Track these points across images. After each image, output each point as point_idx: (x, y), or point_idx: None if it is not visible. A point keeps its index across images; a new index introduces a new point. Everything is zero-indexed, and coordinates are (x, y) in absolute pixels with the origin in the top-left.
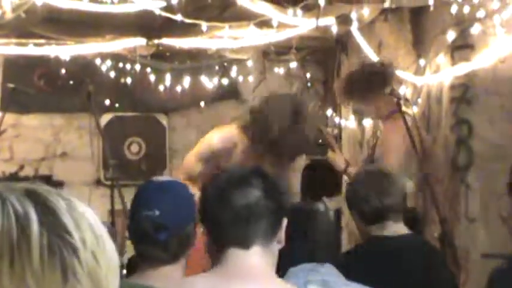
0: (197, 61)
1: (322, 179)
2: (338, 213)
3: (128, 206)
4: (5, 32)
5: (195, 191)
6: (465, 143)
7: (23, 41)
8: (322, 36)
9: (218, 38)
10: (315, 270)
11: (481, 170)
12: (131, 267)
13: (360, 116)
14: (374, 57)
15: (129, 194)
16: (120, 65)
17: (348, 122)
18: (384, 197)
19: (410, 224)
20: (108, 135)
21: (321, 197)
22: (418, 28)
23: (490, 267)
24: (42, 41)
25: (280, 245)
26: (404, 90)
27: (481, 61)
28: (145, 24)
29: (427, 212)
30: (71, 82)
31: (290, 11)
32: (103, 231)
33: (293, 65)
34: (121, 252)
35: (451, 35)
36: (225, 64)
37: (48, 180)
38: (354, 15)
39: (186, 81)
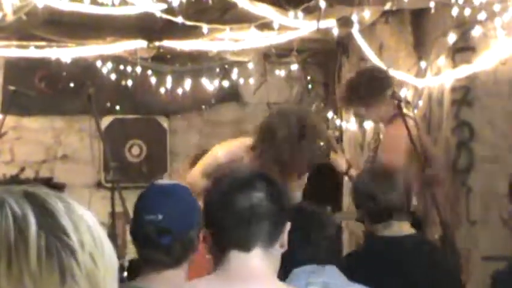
0: (198, 63)
1: (323, 183)
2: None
3: (129, 208)
4: (6, 34)
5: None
6: (466, 145)
7: (24, 43)
8: (323, 39)
9: (219, 40)
10: (316, 272)
11: (482, 172)
12: (132, 270)
13: (361, 118)
14: (375, 60)
15: (129, 197)
16: (121, 67)
17: (349, 124)
18: (389, 195)
19: (411, 226)
20: (109, 137)
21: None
22: (419, 30)
23: (491, 270)
24: (43, 43)
25: (283, 248)
26: (405, 93)
27: (482, 63)
28: (146, 27)
29: (428, 214)
30: (72, 84)
31: (291, 13)
32: (102, 234)
33: (294, 67)
34: (121, 254)
35: (452, 37)
36: (226, 66)
37: (48, 182)
38: (354, 18)
39: (187, 83)
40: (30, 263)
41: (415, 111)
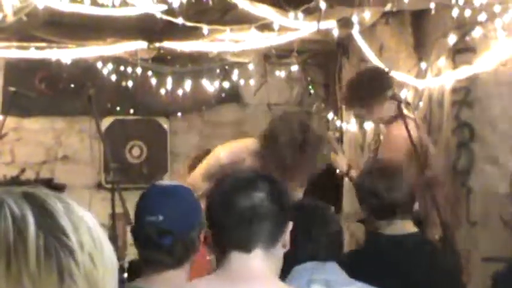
0: (198, 64)
1: (323, 183)
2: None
3: (129, 209)
4: (6, 36)
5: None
6: (466, 146)
7: (25, 44)
8: (324, 40)
9: (219, 41)
10: (318, 269)
11: (482, 173)
12: (132, 271)
13: (361, 119)
14: (375, 61)
15: (130, 198)
16: (122, 68)
17: (349, 125)
18: (394, 192)
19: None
20: (109, 138)
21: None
22: (420, 31)
23: (491, 271)
24: (43, 44)
25: (286, 248)
26: (405, 94)
27: (482, 64)
28: (146, 28)
29: (428, 214)
30: (72, 85)
31: (291, 14)
32: (101, 234)
33: (294, 68)
34: (122, 256)
35: (452, 39)
36: (226, 67)
37: (49, 183)
38: (355, 19)
39: (187, 84)
40: (29, 264)
41: (416, 112)
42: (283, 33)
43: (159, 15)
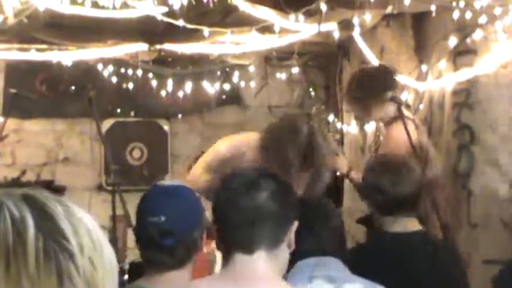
0: (199, 66)
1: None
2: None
3: (130, 211)
4: (7, 37)
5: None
6: (467, 148)
7: (25, 46)
8: (324, 42)
9: (220, 43)
10: (320, 264)
11: (483, 176)
12: (133, 273)
13: (361, 121)
14: (376, 63)
15: (130, 200)
16: (122, 70)
17: (350, 127)
18: (398, 186)
19: None
20: (110, 140)
21: None
22: (420, 34)
23: (491, 273)
24: (44, 46)
25: (291, 248)
26: (406, 96)
27: (483, 67)
28: (147, 30)
29: (428, 217)
30: (73, 87)
31: (292, 16)
32: (101, 236)
33: (295, 70)
34: (122, 258)
35: (453, 41)
36: (227, 69)
37: (50, 185)
38: (355, 21)
39: (188, 86)
40: (29, 266)
41: (416, 114)
42: (284, 35)
43: (159, 17)
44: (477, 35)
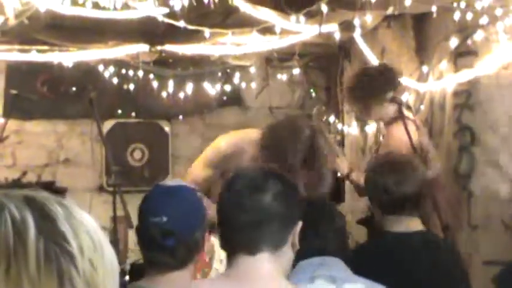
0: (200, 67)
1: None
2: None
3: (131, 212)
4: (8, 39)
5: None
6: (468, 149)
7: (26, 47)
8: (325, 43)
9: (221, 44)
10: (323, 264)
11: (484, 177)
12: (133, 273)
13: (362, 122)
14: (377, 63)
15: (131, 201)
16: (123, 71)
17: (351, 128)
18: (402, 186)
19: None
20: (110, 141)
21: None
22: (421, 35)
23: (492, 274)
24: (45, 47)
25: (295, 248)
26: (407, 97)
27: (484, 68)
28: (148, 31)
29: (429, 218)
30: (74, 88)
31: (293, 17)
32: (101, 237)
33: (296, 71)
34: (123, 259)
35: (453, 42)
36: (228, 71)
37: (50, 186)
38: (356, 22)
39: (189, 87)
40: (29, 268)
41: (417, 115)
42: (285, 36)
43: (160, 18)
44: (478, 36)
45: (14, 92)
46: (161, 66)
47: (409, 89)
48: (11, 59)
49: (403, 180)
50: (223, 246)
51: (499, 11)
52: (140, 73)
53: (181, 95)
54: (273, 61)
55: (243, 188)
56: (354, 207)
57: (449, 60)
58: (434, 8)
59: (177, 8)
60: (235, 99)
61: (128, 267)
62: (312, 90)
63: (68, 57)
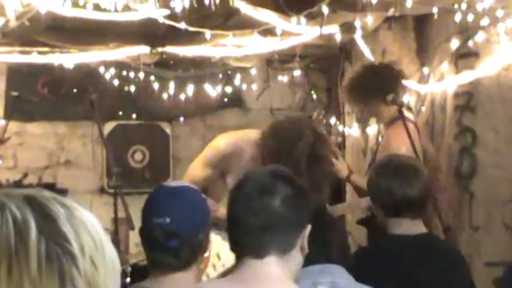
0: (201, 69)
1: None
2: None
3: (132, 214)
4: (8, 40)
5: None
6: (469, 151)
7: (27, 49)
8: (326, 44)
9: (222, 46)
10: (325, 272)
11: (485, 178)
12: (134, 275)
13: (363, 124)
14: (380, 62)
15: (132, 202)
16: (124, 73)
17: (352, 130)
18: (407, 189)
19: None
20: (111, 143)
21: None
22: (422, 36)
23: (493, 275)
24: (45, 49)
25: (304, 252)
26: (408, 99)
27: (485, 69)
28: (149, 33)
29: (430, 219)
30: (75, 90)
31: (294, 19)
32: (102, 235)
33: (297, 73)
34: (124, 260)
35: (454, 43)
36: (229, 72)
37: (51, 188)
38: (357, 23)
39: (190, 89)
40: (31, 269)
41: (417, 117)
42: (286, 38)
43: (161, 20)
44: (479, 37)
45: (14, 93)
46: (162, 68)
47: (410, 91)
48: (11, 61)
49: (407, 183)
50: (232, 248)
51: (500, 13)
52: (141, 75)
53: (182, 96)
54: (274, 63)
55: (253, 191)
56: (354, 207)
57: (450, 62)
58: (435, 10)
59: (178, 9)
60: (236, 100)
61: (129, 268)
62: (312, 92)
63: (68, 59)
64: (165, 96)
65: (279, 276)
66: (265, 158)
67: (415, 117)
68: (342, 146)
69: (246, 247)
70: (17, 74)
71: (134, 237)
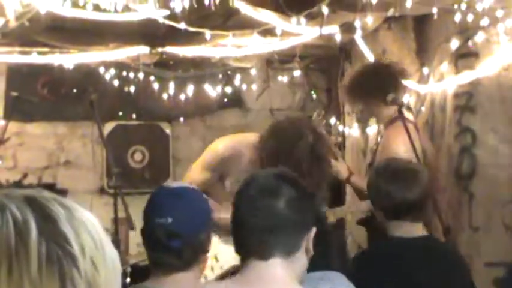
0: (201, 69)
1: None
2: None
3: (132, 214)
4: (8, 41)
5: None
6: (469, 151)
7: (27, 49)
8: (326, 45)
9: (222, 46)
10: (325, 279)
11: (485, 179)
12: (134, 275)
13: (363, 124)
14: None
15: (132, 203)
16: (124, 73)
17: (352, 130)
18: (407, 192)
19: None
20: (111, 143)
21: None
22: (422, 36)
23: (493, 276)
24: (45, 49)
25: (309, 254)
26: (408, 99)
27: (484, 69)
28: (148, 33)
29: (430, 220)
30: (74, 90)
31: (294, 19)
32: (103, 236)
33: (297, 73)
34: (124, 261)
35: (454, 43)
36: (229, 72)
37: (51, 188)
38: (357, 24)
39: (190, 89)
40: (31, 270)
41: (417, 117)
42: (286, 38)
43: (161, 20)
44: (479, 37)
45: (14, 94)
46: (162, 68)
47: (409, 91)
48: (11, 61)
49: (406, 187)
50: (237, 250)
51: (499, 13)
52: (141, 75)
53: (182, 97)
54: (274, 63)
55: (257, 192)
56: (354, 210)
57: (450, 62)
58: (435, 10)
59: (178, 9)
60: (236, 101)
61: (129, 269)
62: (312, 92)
63: (68, 59)
64: (165, 96)
65: (283, 278)
66: (263, 161)
67: (415, 118)
68: (341, 146)
69: (250, 249)
70: (17, 74)
71: (134, 238)
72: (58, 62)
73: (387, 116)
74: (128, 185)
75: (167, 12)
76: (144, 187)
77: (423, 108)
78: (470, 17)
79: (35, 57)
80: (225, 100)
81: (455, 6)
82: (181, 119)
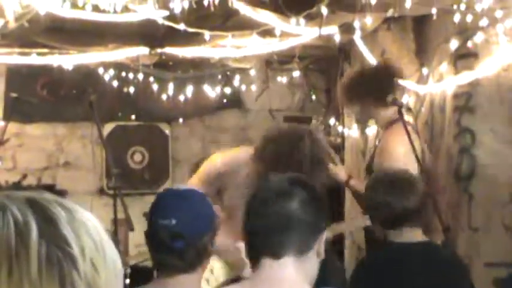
0: (200, 70)
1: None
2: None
3: (131, 215)
4: (8, 42)
5: None
6: (468, 151)
7: (26, 50)
8: (325, 45)
9: (221, 47)
10: None
11: (484, 179)
12: (134, 276)
13: (363, 125)
14: (379, 63)
15: (132, 203)
16: (123, 74)
17: (351, 131)
18: (404, 202)
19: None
20: (111, 144)
21: None
22: (421, 37)
23: (493, 276)
24: (45, 50)
25: (320, 257)
26: (407, 99)
27: (484, 69)
28: (148, 34)
29: (430, 221)
30: (74, 91)
31: (293, 20)
32: (104, 236)
33: (296, 73)
34: (124, 261)
35: (454, 44)
36: (228, 73)
37: (51, 189)
38: (356, 24)
39: (189, 90)
40: (31, 271)
41: (417, 118)
42: (285, 39)
43: (160, 21)
44: (478, 37)
45: (14, 95)
46: (161, 69)
47: (409, 91)
48: (11, 62)
49: (404, 196)
50: (249, 251)
51: (499, 13)
52: (140, 76)
53: (182, 97)
54: (273, 63)
55: (270, 194)
56: (354, 211)
57: (449, 62)
58: (434, 10)
59: (177, 10)
60: (235, 101)
61: (128, 270)
62: (312, 93)
63: (68, 60)
64: (164, 97)
65: (294, 277)
66: (260, 174)
67: (415, 118)
68: (341, 147)
69: (263, 248)
70: (16, 75)
71: (134, 238)
72: (57, 63)
73: (385, 117)
74: (128, 185)
75: (166, 13)
76: (144, 188)
77: (422, 109)
78: (469, 18)
79: (34, 58)
80: (224, 101)
81: (455, 6)
82: (181, 119)
